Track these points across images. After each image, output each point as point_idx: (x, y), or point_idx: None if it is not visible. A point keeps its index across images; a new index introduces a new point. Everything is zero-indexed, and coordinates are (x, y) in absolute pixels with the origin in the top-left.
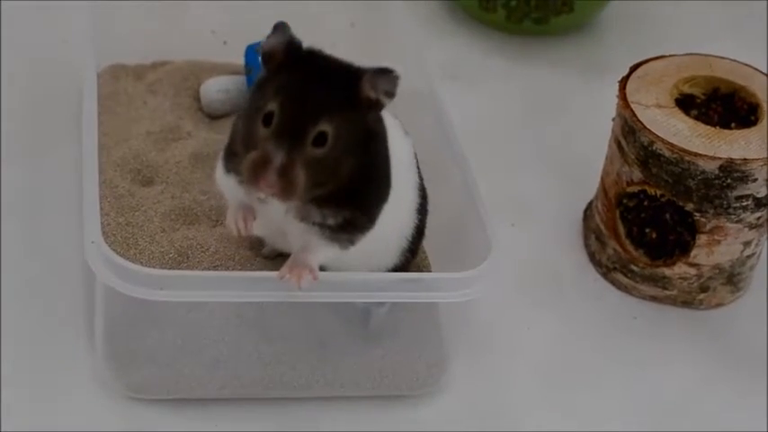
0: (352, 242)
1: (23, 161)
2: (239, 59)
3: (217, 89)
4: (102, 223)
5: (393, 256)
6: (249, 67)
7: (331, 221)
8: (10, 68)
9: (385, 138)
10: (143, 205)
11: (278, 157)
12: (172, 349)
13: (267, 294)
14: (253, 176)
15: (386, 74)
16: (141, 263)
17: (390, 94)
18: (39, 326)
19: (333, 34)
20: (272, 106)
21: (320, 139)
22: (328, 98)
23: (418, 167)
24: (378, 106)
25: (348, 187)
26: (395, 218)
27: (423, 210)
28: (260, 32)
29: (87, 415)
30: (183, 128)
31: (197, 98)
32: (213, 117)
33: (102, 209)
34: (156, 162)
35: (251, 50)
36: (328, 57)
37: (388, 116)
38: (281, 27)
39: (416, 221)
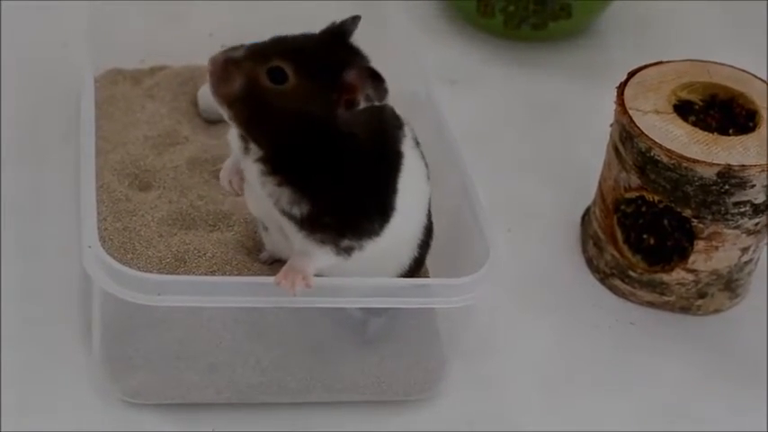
0: (345, 250)
1: (21, 165)
2: None
3: None
4: (99, 228)
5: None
6: None
7: (296, 211)
8: (8, 72)
9: (381, 160)
10: (140, 210)
11: (234, 54)
12: (169, 354)
13: (264, 300)
14: (212, 57)
15: (376, 80)
16: (138, 267)
17: (369, 100)
18: (35, 330)
19: None
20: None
21: (276, 75)
22: (312, 59)
23: (429, 209)
24: (353, 104)
25: (305, 171)
26: (394, 244)
27: (425, 245)
28: (258, 37)
29: (84, 419)
30: (180, 132)
31: (195, 103)
32: (211, 122)
33: (99, 213)
34: (153, 167)
35: None
36: (351, 45)
37: (416, 159)
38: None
39: (416, 254)
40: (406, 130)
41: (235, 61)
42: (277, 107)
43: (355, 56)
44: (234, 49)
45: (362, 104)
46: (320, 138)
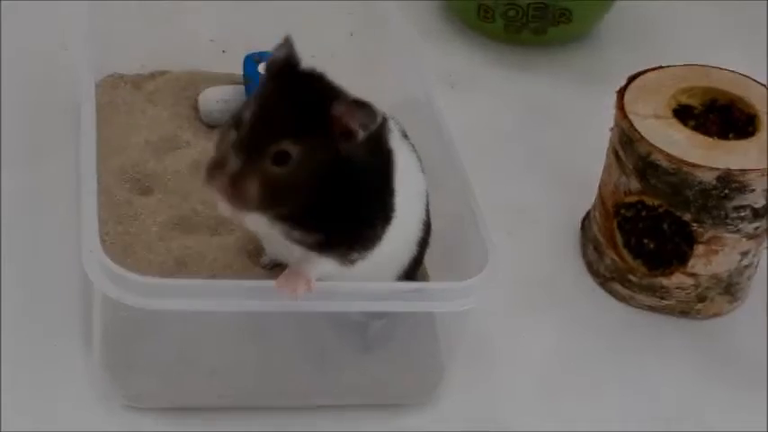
0: (351, 261)
1: (22, 169)
2: (238, 69)
3: (215, 98)
4: (100, 232)
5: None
6: (248, 77)
7: (306, 240)
8: (9, 77)
9: (378, 169)
10: (141, 214)
11: (233, 165)
12: (169, 358)
13: (265, 304)
14: (208, 177)
15: (364, 107)
16: (139, 272)
17: (366, 128)
18: (36, 335)
19: (332, 43)
20: (247, 114)
21: (281, 158)
22: (300, 119)
23: (427, 203)
24: (352, 137)
25: (319, 212)
26: (394, 248)
27: (423, 243)
28: (259, 42)
29: (85, 424)
30: (181, 137)
31: (196, 107)
32: (212, 126)
33: (100, 218)
34: (154, 171)
35: (250, 60)
36: (321, 78)
37: (410, 153)
38: (285, 41)
39: (415, 253)
40: (391, 124)
41: (238, 175)
42: (292, 183)
43: (330, 91)
44: (220, 159)
45: (361, 134)
46: (330, 179)
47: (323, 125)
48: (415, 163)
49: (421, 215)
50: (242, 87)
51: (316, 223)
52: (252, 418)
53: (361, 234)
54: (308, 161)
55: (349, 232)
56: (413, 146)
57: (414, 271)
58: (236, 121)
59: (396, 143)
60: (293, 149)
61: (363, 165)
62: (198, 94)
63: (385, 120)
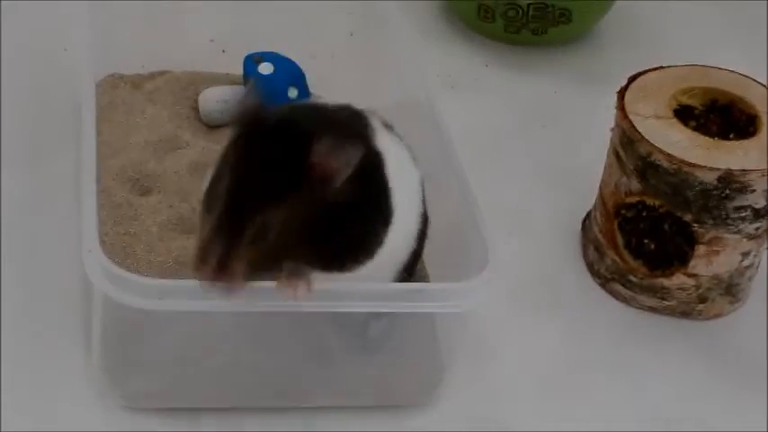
0: (352, 270)
1: (22, 169)
2: (238, 69)
3: (215, 99)
4: (99, 232)
5: (386, 278)
6: (248, 77)
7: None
8: (9, 77)
9: (370, 182)
10: (141, 215)
11: (216, 252)
12: (169, 358)
13: (264, 304)
14: (196, 267)
15: (343, 147)
16: (139, 272)
17: (347, 168)
18: (36, 335)
19: (332, 44)
20: (222, 188)
21: (263, 230)
22: (275, 181)
23: (423, 195)
24: (335, 179)
25: (315, 247)
26: (393, 246)
27: (422, 236)
28: (259, 42)
29: (84, 424)
30: (181, 137)
31: (195, 108)
32: (212, 127)
33: (99, 218)
34: (154, 171)
35: (249, 60)
36: (292, 121)
37: (399, 145)
38: (250, 88)
39: (414, 247)
40: (373, 120)
41: (223, 261)
42: (279, 248)
43: (305, 134)
44: (204, 248)
45: (346, 172)
46: (321, 220)
47: (302, 175)
48: (406, 155)
49: (418, 208)
50: (242, 87)
51: (313, 255)
52: (251, 419)
53: (362, 248)
54: (293, 220)
55: (348, 250)
56: (399, 136)
57: (414, 264)
58: (212, 199)
59: (382, 141)
60: (273, 217)
61: (353, 188)
62: (198, 95)
63: (364, 117)
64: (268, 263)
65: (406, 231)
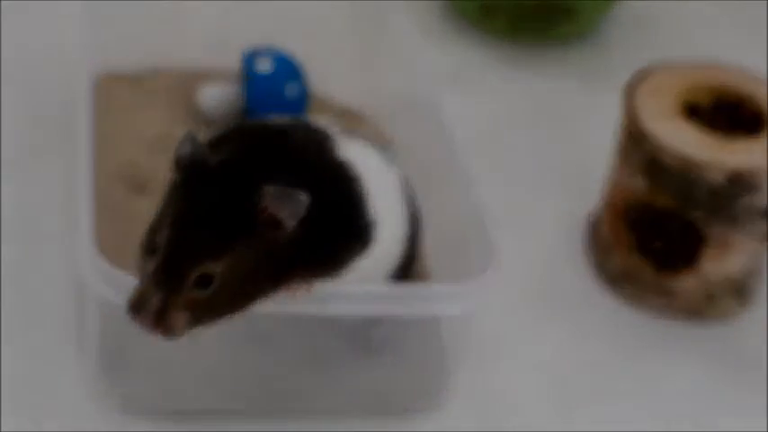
0: (339, 276)
1: (17, 168)
2: (236, 67)
3: (213, 97)
4: (95, 232)
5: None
6: (246, 75)
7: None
8: (5, 75)
9: (334, 197)
10: (137, 214)
11: (154, 301)
12: (167, 361)
13: (262, 306)
14: (132, 313)
15: (291, 196)
16: (135, 273)
17: (298, 215)
18: (31, 336)
19: (332, 41)
20: (162, 237)
21: (203, 281)
22: (217, 230)
23: (410, 195)
24: (281, 228)
25: (276, 285)
26: (377, 255)
27: (413, 237)
28: (257, 41)
29: (80, 426)
30: (178, 136)
31: (192, 106)
32: (209, 125)
33: (95, 217)
34: (150, 171)
35: (248, 58)
36: (234, 164)
37: (367, 150)
38: (186, 137)
39: (406, 249)
40: (331, 131)
41: (161, 311)
42: (222, 299)
43: (244, 186)
44: (142, 294)
45: (290, 223)
46: (276, 258)
47: (246, 222)
48: (377, 159)
49: (402, 210)
50: (239, 86)
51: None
52: (250, 423)
53: (338, 265)
54: (236, 271)
55: (328, 262)
56: (365, 139)
57: (408, 267)
58: (151, 246)
59: (346, 150)
60: (215, 268)
61: (314, 217)
62: (195, 93)
63: (322, 129)
64: (209, 315)
65: (392, 236)
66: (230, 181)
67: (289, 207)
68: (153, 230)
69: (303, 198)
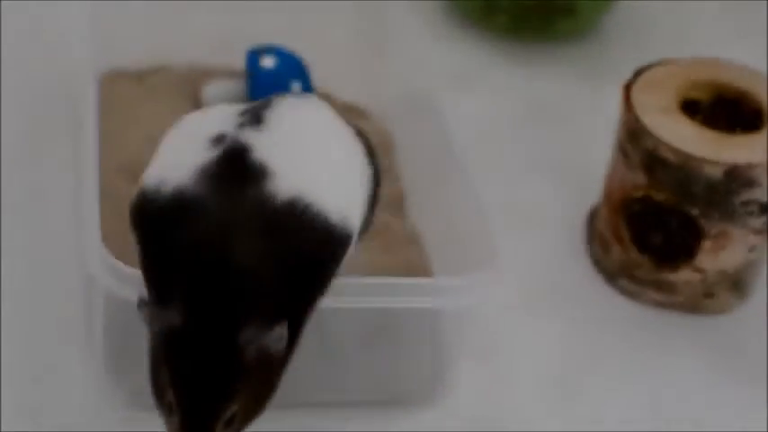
0: None
1: (21, 165)
2: (240, 64)
3: (217, 93)
4: (101, 227)
5: None
6: (250, 72)
7: None
8: (8, 72)
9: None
10: None
11: None
12: None
13: None
14: None
15: (270, 337)
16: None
17: (282, 342)
18: (37, 331)
19: (333, 39)
20: (170, 396)
21: (229, 421)
22: (222, 388)
23: (371, 153)
24: (273, 357)
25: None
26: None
27: (374, 198)
28: (260, 38)
29: (87, 421)
30: None
31: (197, 102)
32: None
33: (101, 212)
34: None
35: (252, 55)
36: (209, 318)
37: (321, 113)
38: (139, 302)
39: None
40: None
41: None
42: (254, 413)
43: (224, 336)
44: None
45: (279, 350)
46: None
47: (241, 364)
48: (333, 126)
49: (365, 172)
50: (244, 82)
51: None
52: None
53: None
54: (252, 392)
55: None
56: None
57: (368, 222)
58: (163, 401)
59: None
60: (234, 407)
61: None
62: (199, 89)
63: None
64: (246, 422)
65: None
66: (209, 339)
67: (272, 344)
68: (155, 371)
69: (282, 331)
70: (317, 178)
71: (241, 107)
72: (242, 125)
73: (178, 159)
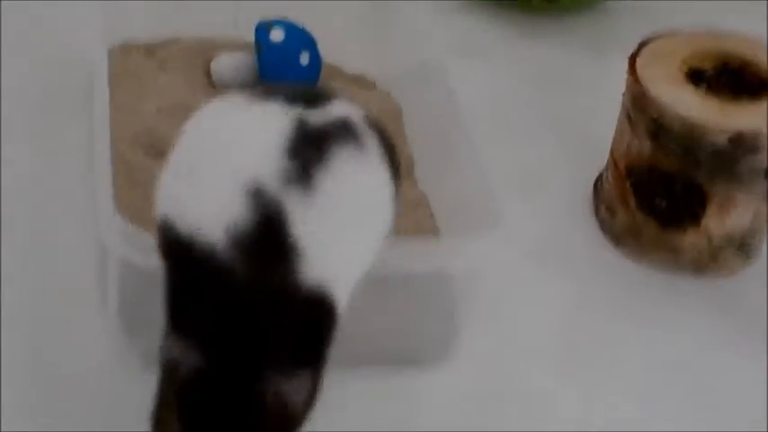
0: None
1: (35, 137)
2: (250, 36)
3: (228, 65)
4: (114, 196)
5: None
6: (260, 44)
7: None
8: (22, 47)
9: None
10: (156, 178)
11: None
12: None
13: None
14: None
15: (291, 380)
16: (154, 235)
17: (307, 392)
18: (53, 297)
19: (341, 11)
20: None
21: None
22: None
23: (391, 151)
24: (300, 413)
25: None
26: None
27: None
28: (270, 10)
29: (102, 383)
30: (194, 103)
31: (208, 74)
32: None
33: (114, 181)
34: (167, 137)
35: (261, 27)
36: (218, 366)
37: (373, 175)
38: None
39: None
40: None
41: None
42: None
43: (242, 387)
44: None
45: (308, 398)
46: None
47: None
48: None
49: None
50: (254, 54)
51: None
52: None
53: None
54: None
55: None
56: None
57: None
58: None
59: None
60: None
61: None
62: (210, 61)
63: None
64: None
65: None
66: (223, 390)
67: (294, 391)
68: (161, 409)
69: (304, 374)
70: (341, 265)
71: (277, 116)
72: (287, 180)
73: (207, 197)
